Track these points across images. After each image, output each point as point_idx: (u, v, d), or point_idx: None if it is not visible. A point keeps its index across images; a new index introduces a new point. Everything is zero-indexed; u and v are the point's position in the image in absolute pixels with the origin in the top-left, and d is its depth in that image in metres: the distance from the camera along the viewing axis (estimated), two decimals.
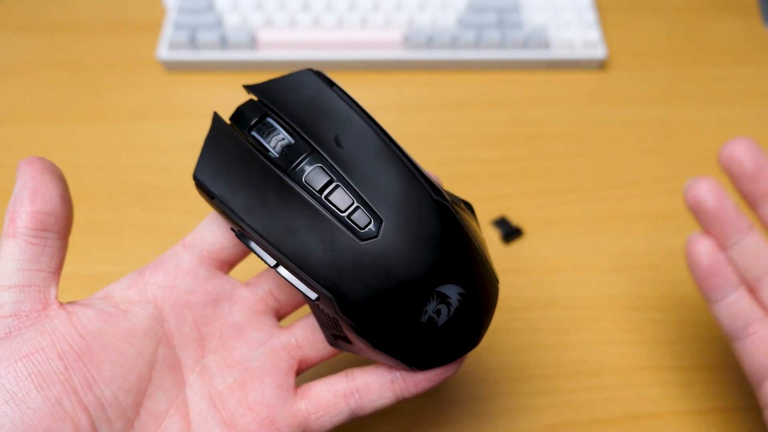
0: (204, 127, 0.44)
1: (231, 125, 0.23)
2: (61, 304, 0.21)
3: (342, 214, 0.21)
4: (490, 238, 0.39)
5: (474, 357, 0.34)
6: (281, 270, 0.21)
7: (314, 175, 0.21)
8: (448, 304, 0.22)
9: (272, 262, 0.21)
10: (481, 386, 0.33)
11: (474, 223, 0.24)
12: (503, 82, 0.47)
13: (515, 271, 0.37)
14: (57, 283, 0.22)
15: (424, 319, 0.21)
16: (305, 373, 0.33)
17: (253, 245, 0.21)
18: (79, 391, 0.20)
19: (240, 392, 0.24)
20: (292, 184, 0.21)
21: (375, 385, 0.24)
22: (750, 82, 0.47)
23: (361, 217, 0.21)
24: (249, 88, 0.23)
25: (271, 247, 0.21)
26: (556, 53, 0.47)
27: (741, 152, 0.23)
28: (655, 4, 0.53)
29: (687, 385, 0.33)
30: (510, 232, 0.39)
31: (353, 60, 0.46)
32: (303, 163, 0.21)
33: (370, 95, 0.46)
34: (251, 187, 0.21)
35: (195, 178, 0.22)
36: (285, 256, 0.21)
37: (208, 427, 0.23)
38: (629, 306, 0.36)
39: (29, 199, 0.21)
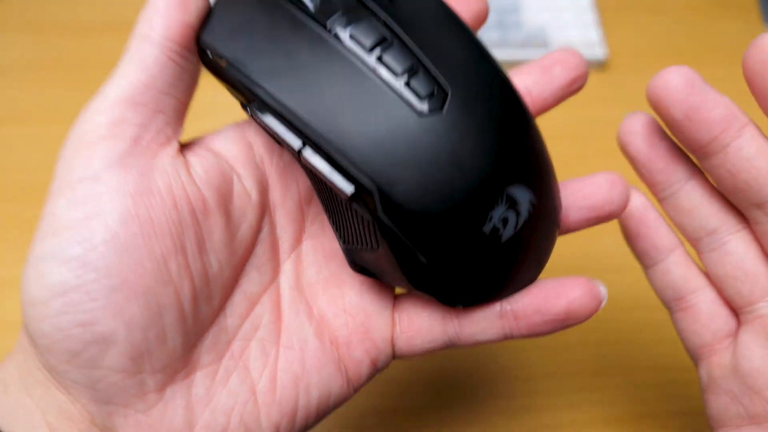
0: (204, 127, 0.44)
1: None
2: (183, 147, 0.18)
3: (397, 81, 0.16)
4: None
5: (474, 357, 0.34)
6: (308, 153, 0.16)
7: (363, 29, 0.16)
8: (518, 213, 0.17)
9: (297, 143, 0.16)
10: (481, 386, 0.33)
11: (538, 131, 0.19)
12: None
13: None
14: (183, 121, 0.18)
15: (487, 228, 0.17)
16: None
17: (272, 120, 0.16)
18: (188, 254, 0.17)
19: (336, 289, 0.20)
20: (333, 42, 0.16)
21: (481, 315, 0.19)
22: None
23: (421, 85, 0.16)
24: None
25: (298, 122, 0.16)
26: None
27: (673, 83, 0.18)
28: (655, 4, 0.53)
29: (687, 385, 0.33)
30: None
31: None
32: (348, 14, 0.16)
33: None
34: (276, 46, 0.16)
35: (199, 43, 0.17)
36: (316, 134, 0.16)
37: (299, 322, 0.19)
38: (629, 306, 0.36)
39: (177, 6, 0.17)
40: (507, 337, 0.19)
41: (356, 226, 0.18)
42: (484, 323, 0.19)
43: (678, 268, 0.22)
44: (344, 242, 0.19)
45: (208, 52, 0.17)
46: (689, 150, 0.20)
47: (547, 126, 0.45)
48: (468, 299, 0.18)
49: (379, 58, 0.16)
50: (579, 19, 0.48)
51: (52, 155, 0.43)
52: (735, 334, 0.21)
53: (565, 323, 0.19)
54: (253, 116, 0.17)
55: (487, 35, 0.46)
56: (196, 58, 0.18)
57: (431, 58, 0.16)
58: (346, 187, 0.16)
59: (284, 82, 0.16)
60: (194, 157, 0.18)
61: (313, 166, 0.16)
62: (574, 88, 0.20)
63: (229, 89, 0.18)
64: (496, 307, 0.19)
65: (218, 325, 0.18)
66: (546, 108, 0.20)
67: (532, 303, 0.19)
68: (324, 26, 0.16)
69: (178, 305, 0.16)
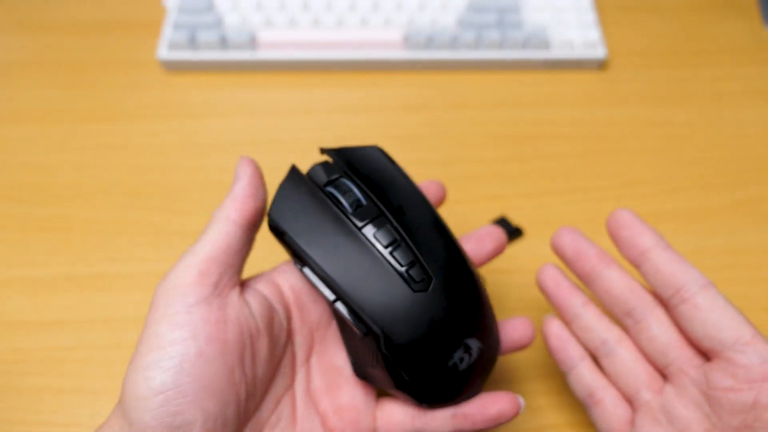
0: (204, 127, 0.44)
1: (307, 178, 0.27)
2: (241, 288, 0.25)
3: (402, 269, 0.25)
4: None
5: None
6: (338, 305, 0.25)
7: (383, 233, 0.25)
8: (470, 354, 0.25)
9: (332, 297, 0.25)
10: None
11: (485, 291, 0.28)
12: (503, 82, 0.47)
13: (515, 271, 0.37)
14: (243, 270, 0.25)
15: (450, 363, 0.25)
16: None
17: (316, 280, 0.25)
18: (246, 365, 0.23)
19: (332, 393, 0.27)
20: (362, 237, 0.25)
21: (440, 414, 0.26)
22: (750, 82, 0.47)
23: (417, 273, 0.25)
24: (325, 151, 0.28)
25: (334, 284, 0.24)
26: (556, 53, 0.47)
27: (564, 241, 0.29)
28: (655, 4, 0.53)
29: None
30: (510, 232, 0.39)
31: (353, 60, 0.46)
32: (374, 221, 0.25)
33: (370, 95, 0.46)
34: (323, 231, 0.25)
35: (269, 215, 0.26)
36: (346, 294, 0.24)
37: (309, 415, 0.26)
38: None
39: (252, 197, 0.25)
40: (457, 429, 0.26)
41: (364, 350, 0.26)
42: (442, 421, 0.26)
43: (587, 371, 0.29)
44: (353, 358, 0.27)
45: (276, 226, 0.25)
46: (580, 278, 0.29)
47: (548, 126, 0.45)
48: (433, 402, 0.26)
49: (391, 253, 0.25)
50: (579, 19, 0.48)
51: (52, 155, 0.43)
52: (633, 420, 0.27)
53: (498, 422, 0.26)
54: (303, 273, 0.25)
55: (487, 35, 0.46)
56: (255, 231, 0.26)
57: (423, 255, 0.25)
58: (361, 329, 0.24)
59: (328, 255, 0.25)
60: (250, 296, 0.25)
61: (341, 312, 0.25)
62: (496, 253, 0.29)
63: (287, 252, 0.26)
64: (450, 411, 0.26)
65: (256, 417, 0.25)
66: (478, 265, 0.29)
67: (476, 408, 0.26)
68: (357, 227, 0.25)
69: (237, 401, 0.23)
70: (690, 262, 0.27)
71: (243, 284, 0.26)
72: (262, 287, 0.26)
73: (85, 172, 0.42)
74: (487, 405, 0.26)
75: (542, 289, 0.30)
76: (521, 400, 0.26)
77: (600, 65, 0.48)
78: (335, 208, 0.25)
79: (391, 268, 0.24)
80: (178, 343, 0.22)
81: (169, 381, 0.21)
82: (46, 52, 0.48)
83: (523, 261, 0.38)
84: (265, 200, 0.26)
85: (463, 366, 0.25)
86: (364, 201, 0.26)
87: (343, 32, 0.47)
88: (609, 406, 0.28)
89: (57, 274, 0.37)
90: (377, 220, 0.25)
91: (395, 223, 0.25)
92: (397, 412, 0.27)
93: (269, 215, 0.26)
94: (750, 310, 0.36)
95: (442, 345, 0.25)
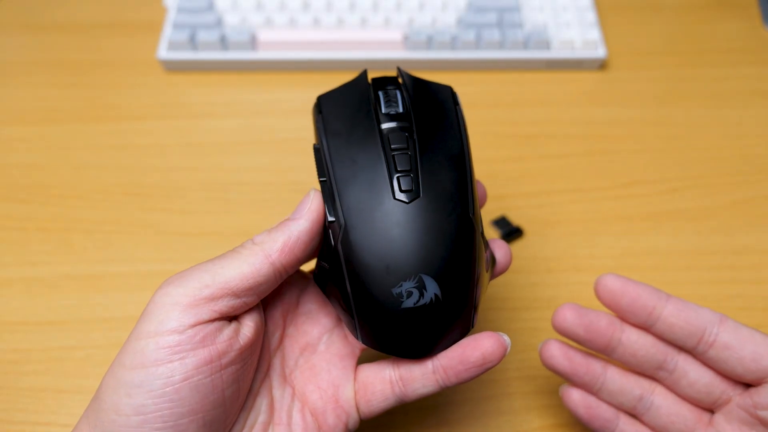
0: (204, 127, 0.44)
1: (370, 84, 0.26)
2: (238, 320, 0.24)
3: (394, 173, 0.24)
4: (490, 238, 0.39)
5: None
6: (324, 185, 0.24)
7: (396, 136, 0.24)
8: (421, 294, 0.23)
9: (323, 177, 0.24)
10: (481, 386, 0.33)
11: (483, 257, 0.25)
12: (503, 82, 0.47)
13: (515, 271, 0.37)
14: (255, 303, 0.24)
15: (395, 291, 0.23)
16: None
17: (320, 157, 0.25)
18: (232, 388, 0.23)
19: (309, 372, 0.26)
20: (377, 133, 0.24)
21: (418, 373, 0.25)
22: (750, 82, 0.47)
23: (406, 183, 0.23)
24: (400, 71, 0.27)
25: (329, 167, 0.24)
26: (557, 53, 0.47)
27: (570, 322, 0.27)
28: (655, 4, 0.53)
29: None
30: (510, 232, 0.39)
31: (353, 60, 0.46)
32: (395, 124, 0.25)
33: None
34: (348, 121, 0.25)
35: (318, 98, 0.26)
36: (334, 179, 0.24)
37: (286, 403, 0.26)
38: None
39: (303, 248, 0.24)
40: (442, 387, 0.25)
41: (328, 245, 0.24)
42: (422, 380, 0.25)
43: (630, 427, 0.28)
44: (318, 257, 0.25)
45: (318, 106, 0.26)
46: (598, 351, 0.27)
47: (548, 126, 0.45)
48: (365, 335, 0.24)
49: (393, 155, 0.24)
50: (579, 19, 0.48)
51: (52, 155, 0.43)
52: None
53: (483, 368, 0.24)
54: (315, 152, 0.25)
55: (487, 35, 0.46)
56: (287, 275, 0.24)
57: (424, 173, 0.24)
58: (331, 212, 0.24)
59: (337, 142, 0.25)
60: (243, 323, 0.24)
61: (322, 194, 0.24)
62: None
63: (315, 128, 0.26)
64: (428, 366, 0.24)
65: (239, 420, 0.24)
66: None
67: (455, 357, 0.24)
68: (379, 124, 0.25)
69: (219, 419, 0.22)
70: (696, 303, 0.26)
71: (235, 312, 0.25)
72: (248, 312, 0.25)
73: (85, 172, 0.42)
74: (467, 352, 0.24)
75: (554, 370, 0.28)
76: (506, 338, 0.24)
77: (600, 65, 0.48)
78: (372, 108, 0.25)
79: (386, 169, 0.24)
80: (164, 365, 0.21)
81: (149, 404, 0.21)
82: (46, 52, 0.48)
83: (523, 261, 0.38)
84: (313, 253, 0.25)
85: (409, 303, 0.23)
86: (401, 109, 0.25)
87: (343, 32, 0.47)
88: None
89: (57, 274, 0.37)
90: (400, 125, 0.25)
91: (416, 136, 0.24)
92: (376, 381, 0.25)
93: (318, 98, 0.26)
94: (750, 310, 0.36)
95: (395, 263, 0.23)
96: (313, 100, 0.46)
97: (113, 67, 0.47)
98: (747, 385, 0.26)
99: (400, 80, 0.27)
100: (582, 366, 0.27)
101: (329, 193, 0.24)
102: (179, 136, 0.44)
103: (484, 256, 0.25)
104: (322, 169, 0.24)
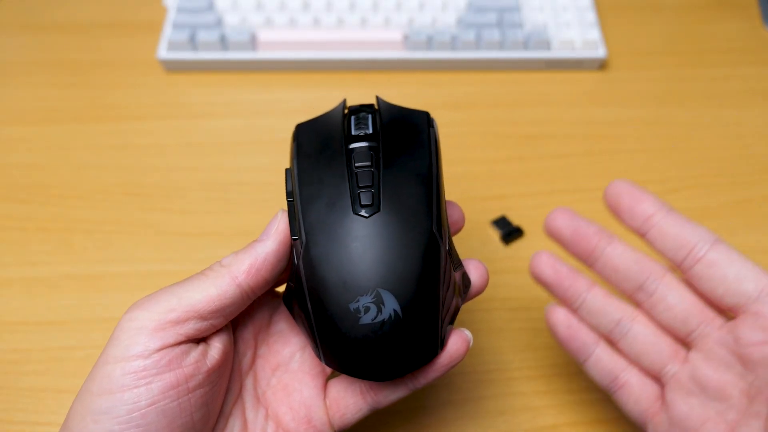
0: (204, 127, 0.44)
1: (345, 113, 0.27)
2: (206, 342, 0.24)
3: (356, 189, 0.23)
4: (490, 238, 0.39)
5: (473, 357, 0.34)
6: (290, 206, 0.24)
7: (362, 154, 0.24)
8: (379, 309, 0.22)
9: (291, 197, 0.24)
10: (481, 386, 0.33)
11: (449, 275, 0.24)
12: (503, 82, 0.47)
13: (515, 271, 0.37)
14: (225, 323, 0.24)
15: (353, 306, 0.22)
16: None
17: (289, 178, 0.25)
18: (200, 410, 0.23)
19: (282, 392, 0.26)
20: (344, 153, 0.24)
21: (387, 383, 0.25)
22: (750, 82, 0.47)
23: (366, 197, 0.23)
24: (378, 99, 0.27)
25: (297, 186, 0.24)
26: (557, 53, 0.47)
27: (559, 222, 0.27)
28: (655, 4, 0.53)
29: None
30: (510, 232, 0.39)
31: (353, 60, 0.46)
32: (363, 144, 0.25)
33: (370, 95, 0.46)
34: (319, 144, 0.25)
35: (296, 126, 0.26)
36: (299, 197, 0.24)
37: (259, 424, 0.26)
38: None
39: (269, 269, 0.24)
40: (412, 390, 0.25)
41: (293, 265, 0.24)
42: (392, 386, 0.25)
43: (606, 356, 0.27)
44: (287, 288, 0.25)
45: (295, 133, 0.26)
46: (581, 259, 0.27)
47: (548, 126, 0.45)
48: (326, 353, 0.24)
49: (356, 172, 0.24)
50: (579, 18, 0.48)
51: (52, 155, 0.43)
52: (663, 396, 0.26)
53: (449, 366, 0.24)
54: (286, 173, 0.25)
55: (487, 35, 0.46)
56: (255, 297, 0.24)
57: (386, 190, 0.24)
58: (294, 230, 0.24)
59: (306, 163, 0.25)
60: (211, 345, 0.24)
61: (289, 212, 0.24)
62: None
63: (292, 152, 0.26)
64: None
65: None
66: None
67: None
68: (347, 144, 0.25)
69: None
70: (696, 221, 0.26)
71: (204, 335, 0.24)
72: (216, 333, 0.25)
73: (85, 172, 0.42)
74: None
75: (539, 279, 0.28)
76: (467, 333, 0.25)
77: (600, 65, 0.48)
78: (342, 131, 0.25)
79: (348, 186, 0.24)
80: (130, 390, 0.21)
81: (116, 430, 0.21)
82: (46, 52, 0.48)
83: (523, 261, 0.38)
84: (280, 276, 0.25)
85: (367, 318, 0.22)
86: (369, 131, 0.25)
87: (343, 32, 0.47)
88: (635, 386, 0.26)
89: (57, 274, 0.37)
90: (368, 144, 0.25)
91: (381, 154, 0.24)
92: (347, 395, 0.26)
93: (296, 126, 0.27)
94: None
95: (353, 277, 0.22)
96: (313, 100, 0.46)
97: (113, 67, 0.47)
98: (725, 319, 0.25)
99: (376, 107, 0.27)
100: (567, 279, 0.27)
101: (293, 212, 0.24)
102: (179, 136, 0.44)
103: (453, 275, 0.24)
104: (289, 189, 0.25)
